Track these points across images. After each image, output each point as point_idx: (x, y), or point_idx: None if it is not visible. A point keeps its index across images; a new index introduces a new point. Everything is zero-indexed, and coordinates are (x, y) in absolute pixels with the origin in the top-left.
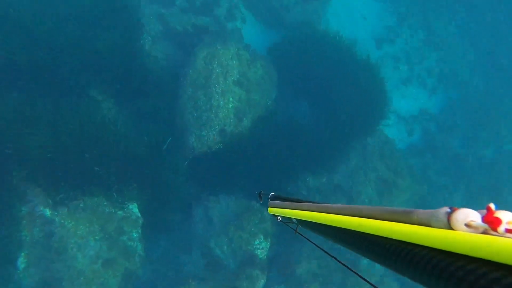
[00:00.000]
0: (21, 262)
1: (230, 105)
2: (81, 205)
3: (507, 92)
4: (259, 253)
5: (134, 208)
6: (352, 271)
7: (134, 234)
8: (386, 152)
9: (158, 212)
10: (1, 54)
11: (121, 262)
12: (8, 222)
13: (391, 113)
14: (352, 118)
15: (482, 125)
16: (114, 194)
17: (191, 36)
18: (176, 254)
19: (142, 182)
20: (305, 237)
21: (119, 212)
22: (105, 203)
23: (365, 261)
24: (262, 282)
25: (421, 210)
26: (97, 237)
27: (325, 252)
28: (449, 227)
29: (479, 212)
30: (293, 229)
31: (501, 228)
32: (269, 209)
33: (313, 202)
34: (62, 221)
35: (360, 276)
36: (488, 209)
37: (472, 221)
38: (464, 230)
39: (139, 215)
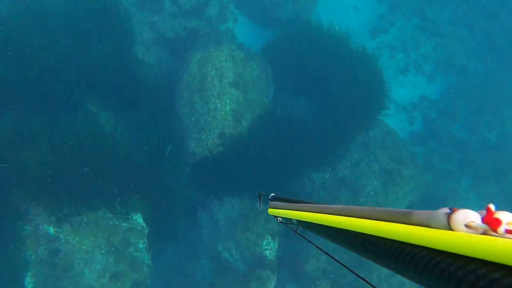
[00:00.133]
0: (28, 282)
1: (228, 107)
2: (84, 219)
3: (507, 73)
4: (267, 254)
5: (138, 218)
6: (350, 270)
7: (140, 244)
8: (388, 142)
9: (163, 221)
10: None
11: (129, 274)
12: (12, 243)
13: (391, 102)
14: (352, 110)
15: (484, 108)
16: (117, 206)
17: (183, 40)
18: (184, 261)
19: (145, 192)
20: (305, 238)
21: (124, 224)
22: (109, 215)
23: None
24: (273, 283)
25: (421, 211)
26: (103, 251)
27: (325, 252)
28: (449, 228)
29: (478, 212)
30: (293, 230)
31: (501, 229)
32: (269, 210)
33: (313, 203)
34: (67, 238)
35: (359, 276)
36: (488, 209)
37: (471, 222)
38: (463, 231)
39: (144, 225)
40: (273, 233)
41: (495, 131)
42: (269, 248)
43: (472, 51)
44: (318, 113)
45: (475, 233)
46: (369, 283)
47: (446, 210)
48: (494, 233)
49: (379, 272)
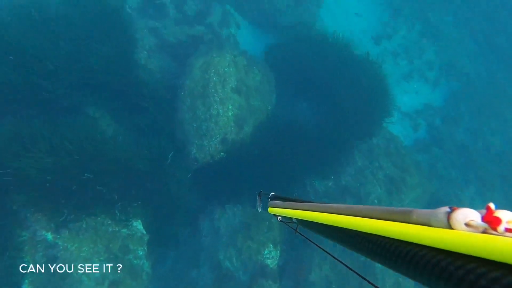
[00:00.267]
0: None
1: (230, 113)
2: (83, 225)
3: (510, 77)
4: (269, 263)
5: (138, 225)
6: (352, 270)
7: (140, 252)
8: (392, 149)
9: (164, 228)
10: None
11: (128, 282)
12: (9, 250)
13: (395, 109)
14: (355, 117)
15: (488, 113)
16: (117, 212)
17: (186, 46)
18: (185, 269)
19: (145, 198)
20: (305, 237)
21: (123, 230)
22: (108, 222)
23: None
24: None
25: (421, 210)
26: (102, 258)
27: (326, 251)
28: (449, 226)
29: (478, 211)
30: (293, 228)
31: (501, 228)
32: (270, 209)
33: (313, 202)
34: (65, 244)
35: (361, 276)
36: (488, 208)
37: (471, 220)
38: (464, 229)
39: (144, 232)
40: (275, 241)
41: (499, 136)
42: (271, 256)
43: (475, 56)
44: (321, 120)
45: (475, 232)
46: (371, 283)
47: (446, 209)
48: (494, 232)
49: (382, 282)
